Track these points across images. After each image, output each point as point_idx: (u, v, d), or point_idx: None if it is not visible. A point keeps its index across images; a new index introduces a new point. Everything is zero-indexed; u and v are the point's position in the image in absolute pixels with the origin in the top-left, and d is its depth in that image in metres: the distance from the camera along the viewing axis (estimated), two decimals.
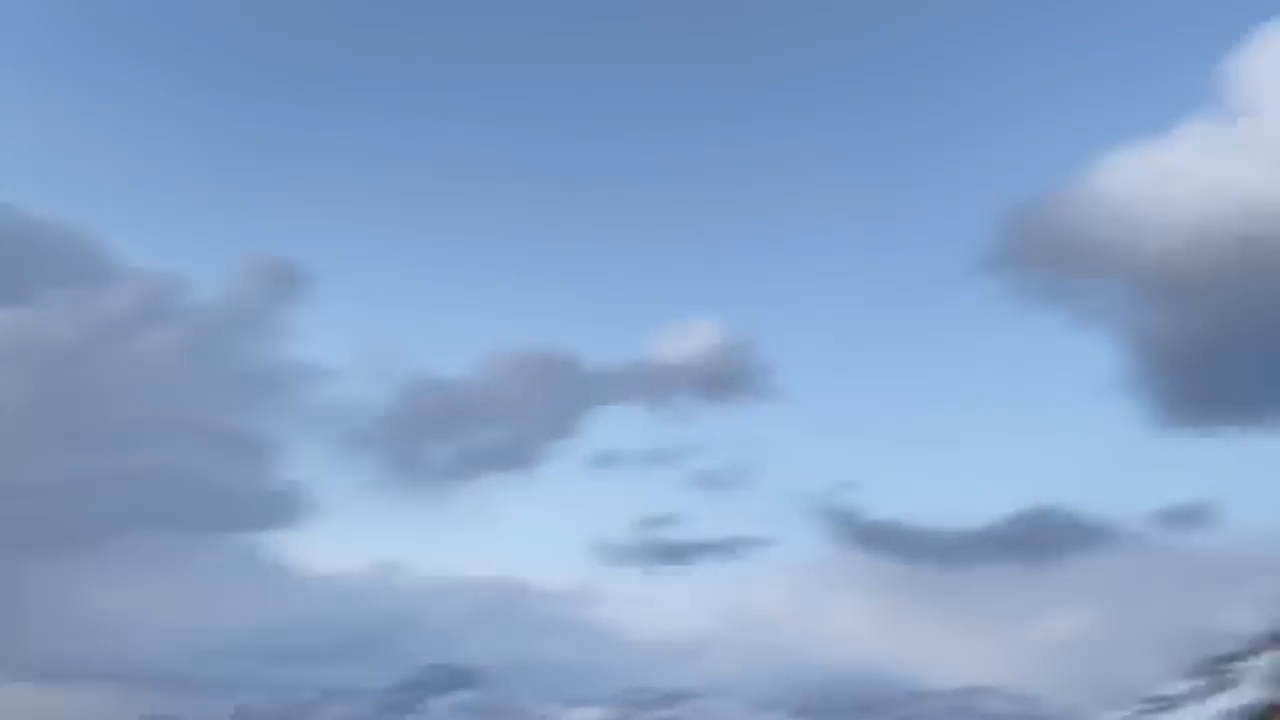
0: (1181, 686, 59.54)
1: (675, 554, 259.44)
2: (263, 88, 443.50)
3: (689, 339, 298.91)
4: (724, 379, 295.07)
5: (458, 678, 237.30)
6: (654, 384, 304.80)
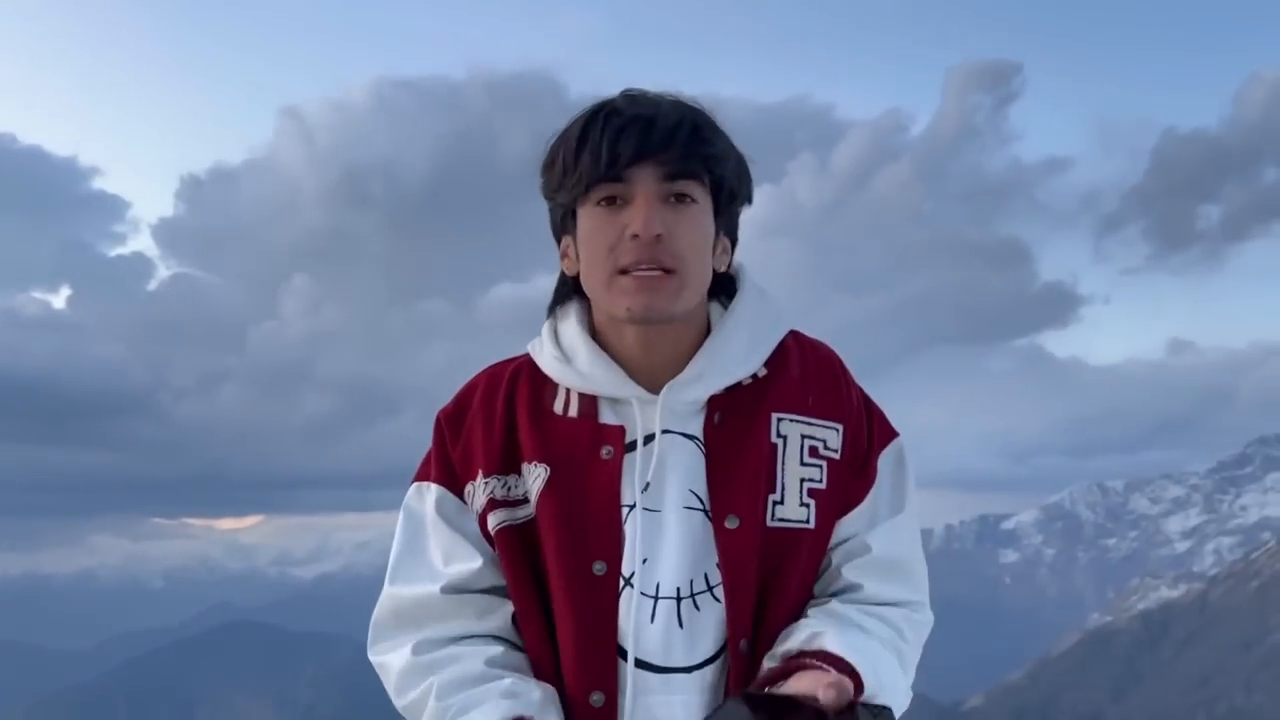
0: None
1: None
2: None
3: None
4: None
5: None
6: None
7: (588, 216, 1.55)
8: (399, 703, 1.58)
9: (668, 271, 1.51)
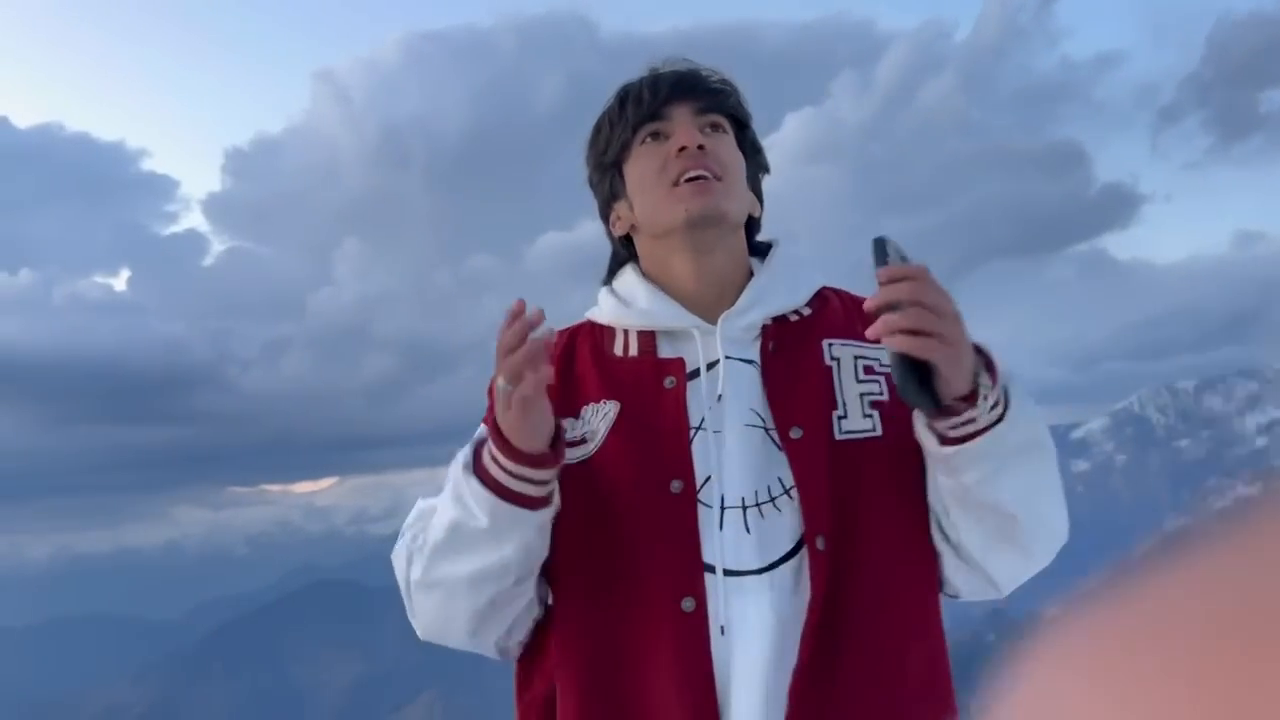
0: None
1: None
2: None
3: None
4: None
5: None
6: None
7: (637, 156, 1.69)
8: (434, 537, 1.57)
9: (715, 179, 1.64)
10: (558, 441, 1.53)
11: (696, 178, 1.63)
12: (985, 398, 1.45)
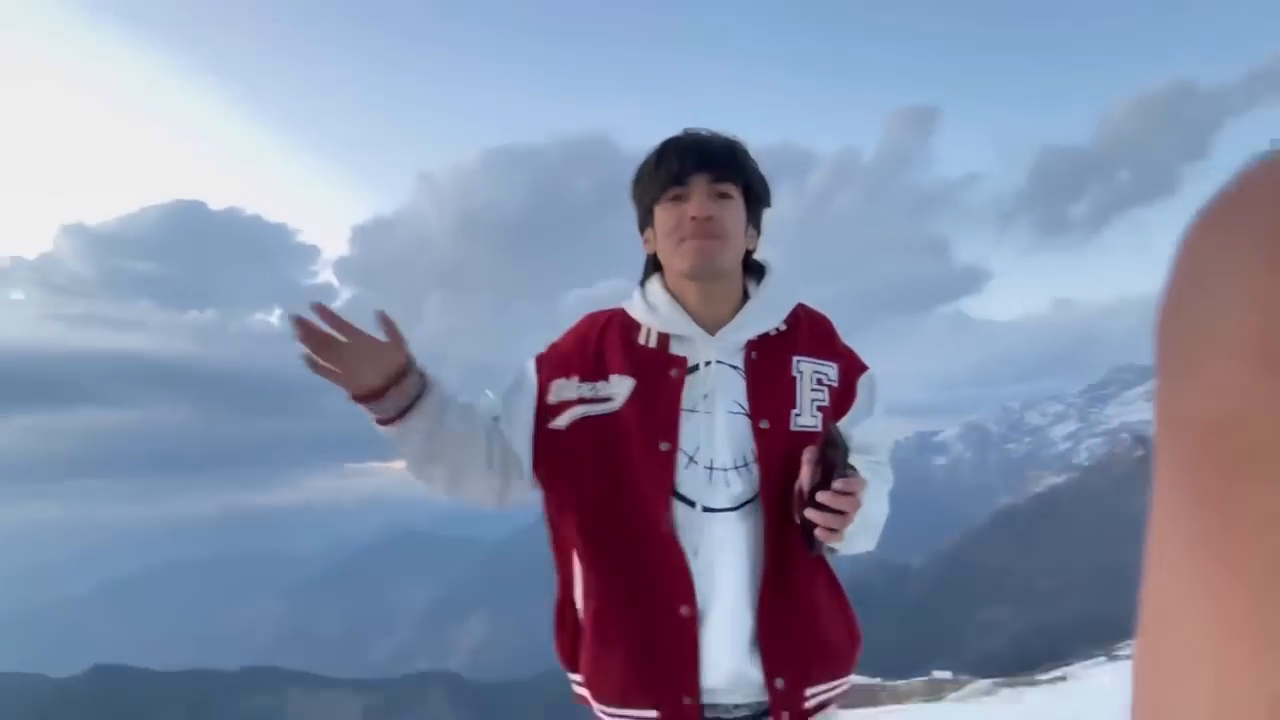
0: None
1: None
2: None
3: None
4: None
5: (1143, 374, 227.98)
6: None
7: (661, 210, 1.64)
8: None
9: (715, 239, 1.61)
10: (401, 377, 1.52)
11: (702, 239, 1.61)
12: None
